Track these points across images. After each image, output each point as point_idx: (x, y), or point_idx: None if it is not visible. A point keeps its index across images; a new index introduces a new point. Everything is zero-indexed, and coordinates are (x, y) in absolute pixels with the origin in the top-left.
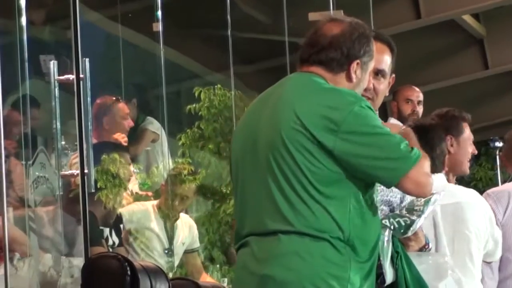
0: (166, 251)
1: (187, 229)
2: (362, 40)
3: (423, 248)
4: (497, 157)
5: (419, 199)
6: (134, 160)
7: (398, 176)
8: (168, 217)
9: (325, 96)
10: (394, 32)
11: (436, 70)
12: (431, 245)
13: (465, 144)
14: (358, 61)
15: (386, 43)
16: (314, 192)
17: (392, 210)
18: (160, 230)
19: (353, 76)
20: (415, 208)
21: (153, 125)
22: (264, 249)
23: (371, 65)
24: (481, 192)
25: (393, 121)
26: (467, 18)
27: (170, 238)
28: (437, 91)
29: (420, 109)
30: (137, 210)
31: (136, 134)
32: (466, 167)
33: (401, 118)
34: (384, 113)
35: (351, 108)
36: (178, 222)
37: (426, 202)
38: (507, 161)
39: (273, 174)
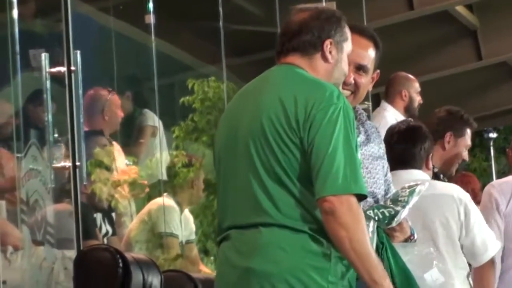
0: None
1: (185, 221)
2: (331, 20)
3: (409, 239)
4: (491, 147)
5: (403, 189)
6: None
7: (327, 192)
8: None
9: (307, 89)
10: (387, 24)
11: (430, 61)
12: (416, 235)
13: (460, 146)
14: (330, 40)
15: (371, 39)
16: (292, 185)
17: (376, 202)
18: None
19: (329, 56)
20: (400, 198)
21: (151, 119)
22: (245, 241)
23: (347, 47)
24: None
25: (390, 109)
26: (460, 9)
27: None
28: (430, 82)
29: None
30: (156, 208)
31: (135, 131)
32: (453, 168)
33: (412, 108)
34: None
35: (329, 105)
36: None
37: (411, 193)
38: None
39: (253, 166)
